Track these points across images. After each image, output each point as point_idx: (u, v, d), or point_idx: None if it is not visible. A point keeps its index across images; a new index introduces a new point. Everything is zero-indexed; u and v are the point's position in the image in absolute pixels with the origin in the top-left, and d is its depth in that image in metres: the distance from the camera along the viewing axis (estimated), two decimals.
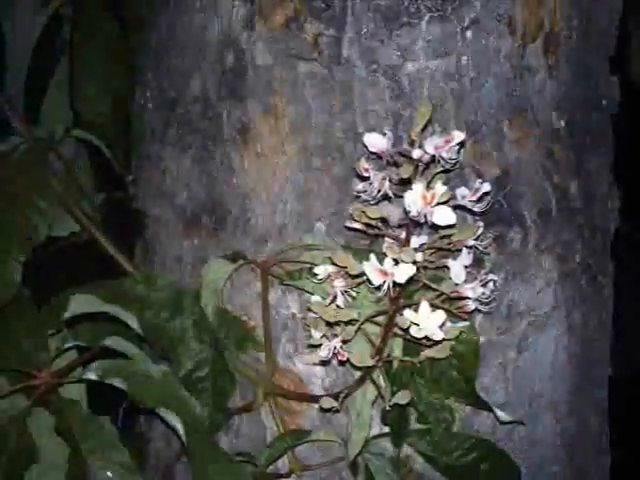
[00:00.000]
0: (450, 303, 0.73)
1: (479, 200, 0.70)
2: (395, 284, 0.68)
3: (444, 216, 0.65)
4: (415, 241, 0.69)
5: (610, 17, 0.91)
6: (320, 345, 0.75)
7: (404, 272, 0.67)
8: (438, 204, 0.65)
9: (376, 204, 0.72)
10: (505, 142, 0.84)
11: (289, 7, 0.83)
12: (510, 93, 0.84)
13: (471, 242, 0.70)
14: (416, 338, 0.69)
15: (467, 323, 0.74)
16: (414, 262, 0.66)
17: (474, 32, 0.82)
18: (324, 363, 0.80)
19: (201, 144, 0.88)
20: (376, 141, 0.70)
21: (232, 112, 0.85)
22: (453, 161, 0.67)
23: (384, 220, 0.70)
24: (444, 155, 0.66)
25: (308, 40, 0.82)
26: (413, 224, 0.68)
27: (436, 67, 0.82)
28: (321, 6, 0.82)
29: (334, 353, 0.75)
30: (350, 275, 0.71)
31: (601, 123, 0.92)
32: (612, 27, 0.92)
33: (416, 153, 0.65)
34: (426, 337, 0.70)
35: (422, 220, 0.66)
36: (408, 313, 0.69)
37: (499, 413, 0.81)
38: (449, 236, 0.69)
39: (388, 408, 0.76)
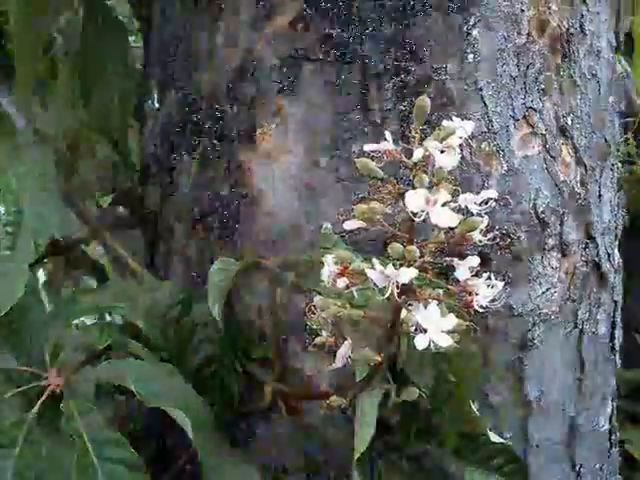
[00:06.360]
0: (455, 300, 0.73)
1: (482, 204, 0.69)
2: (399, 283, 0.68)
3: (446, 218, 0.65)
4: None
5: (616, 15, 0.91)
6: (325, 344, 0.75)
7: (407, 275, 0.66)
8: (441, 205, 0.64)
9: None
10: (511, 141, 0.84)
11: (295, 7, 0.83)
12: (516, 91, 0.84)
13: (476, 236, 0.68)
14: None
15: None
16: (417, 262, 0.66)
17: (480, 31, 0.83)
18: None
19: (208, 145, 0.88)
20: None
21: (239, 112, 0.86)
22: (454, 162, 0.66)
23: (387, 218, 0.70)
24: (445, 158, 0.66)
25: (314, 40, 0.83)
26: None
27: (442, 66, 0.82)
28: (327, 6, 0.82)
29: (348, 358, 0.74)
30: (353, 274, 0.71)
31: (608, 121, 0.92)
32: (618, 25, 0.92)
33: (416, 154, 0.64)
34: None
35: (423, 219, 0.66)
36: (417, 315, 0.69)
37: (491, 434, 0.80)
38: (453, 230, 0.68)
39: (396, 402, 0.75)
